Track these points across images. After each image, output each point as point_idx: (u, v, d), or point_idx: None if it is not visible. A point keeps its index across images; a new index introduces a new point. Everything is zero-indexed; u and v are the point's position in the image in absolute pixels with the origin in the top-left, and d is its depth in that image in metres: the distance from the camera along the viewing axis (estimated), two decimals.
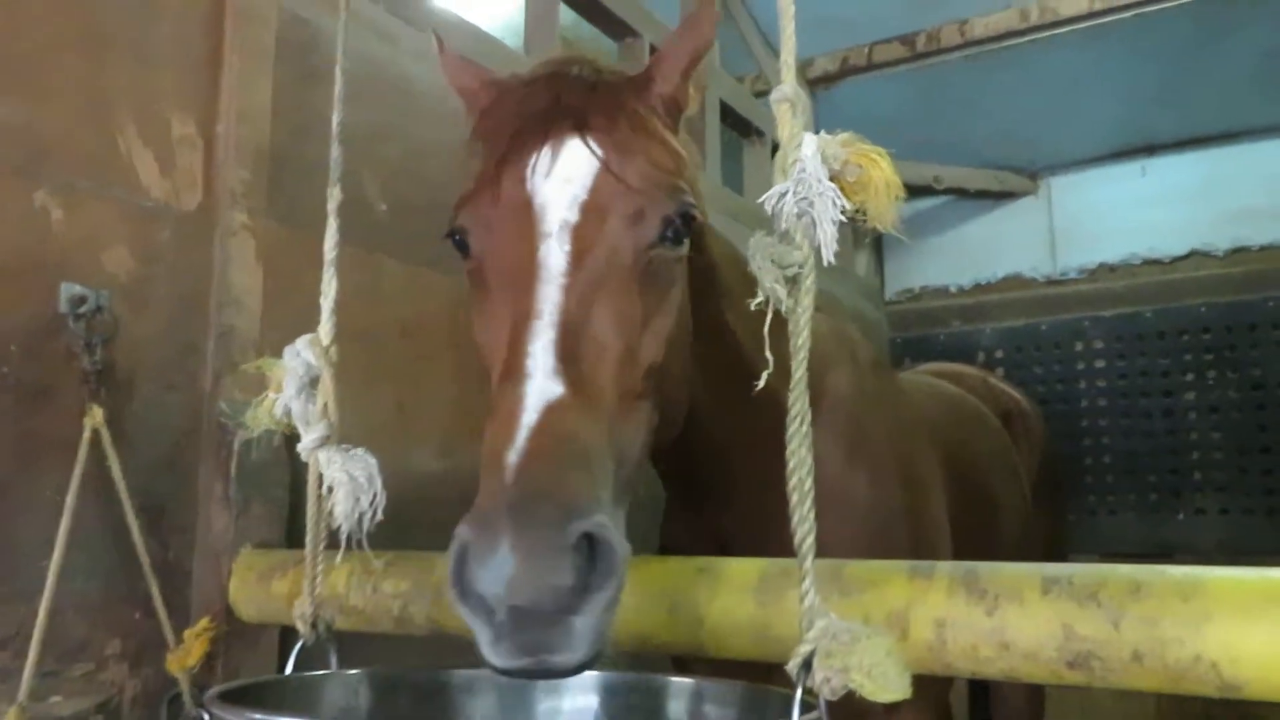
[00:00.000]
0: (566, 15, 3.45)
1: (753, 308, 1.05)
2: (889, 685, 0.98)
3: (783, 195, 1.05)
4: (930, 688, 2.10)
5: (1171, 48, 4.57)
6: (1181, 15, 4.38)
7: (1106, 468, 5.10)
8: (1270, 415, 4.77)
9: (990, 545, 2.77)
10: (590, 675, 1.36)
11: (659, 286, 1.43)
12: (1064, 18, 4.39)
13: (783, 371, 1.14)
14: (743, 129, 4.55)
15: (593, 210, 1.36)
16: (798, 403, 1.04)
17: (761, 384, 1.10)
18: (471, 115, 1.64)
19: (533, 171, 1.38)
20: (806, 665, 1.03)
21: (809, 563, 1.04)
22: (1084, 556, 4.47)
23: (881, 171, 1.10)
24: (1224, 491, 4.84)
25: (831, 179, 1.09)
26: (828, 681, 1.00)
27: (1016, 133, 5.29)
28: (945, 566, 1.36)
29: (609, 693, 1.39)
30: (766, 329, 1.05)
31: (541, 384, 1.18)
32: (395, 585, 1.78)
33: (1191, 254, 4.98)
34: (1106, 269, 5.20)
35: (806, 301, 1.04)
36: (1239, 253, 4.86)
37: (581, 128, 1.41)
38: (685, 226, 1.44)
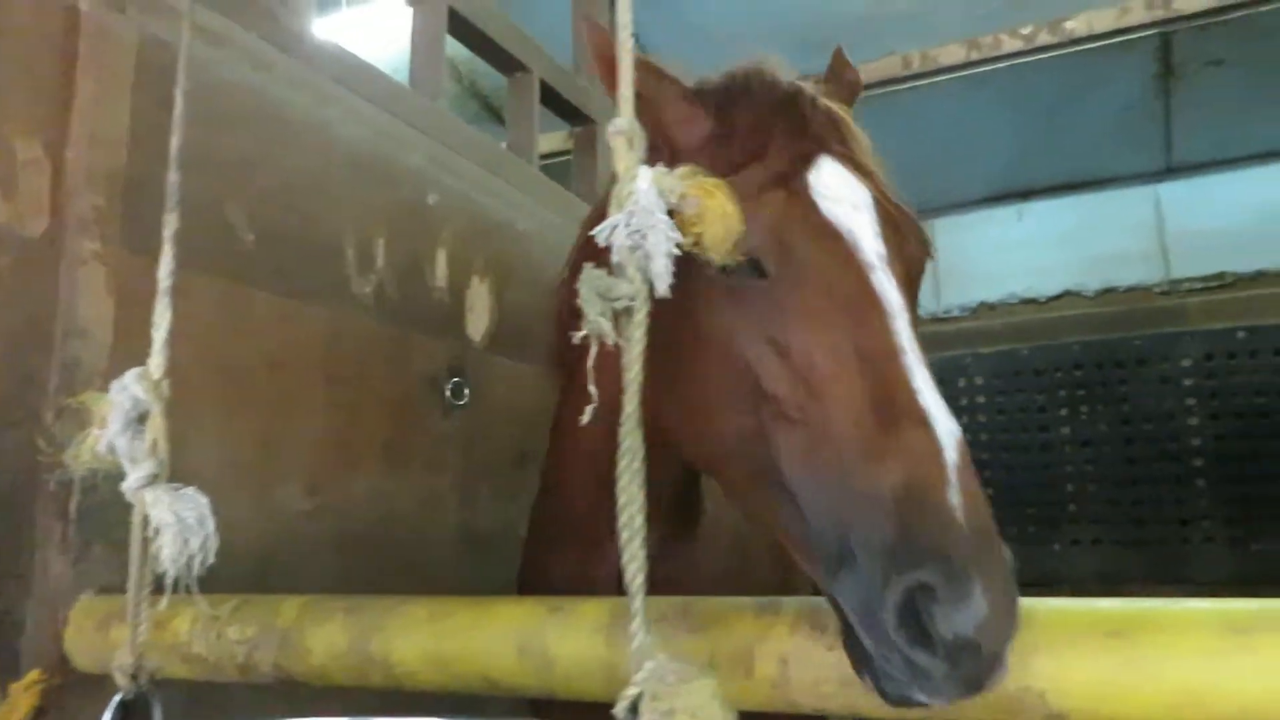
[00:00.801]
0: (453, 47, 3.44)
1: (575, 340, 1.04)
2: None
3: (614, 228, 1.05)
4: None
5: (1043, 99, 4.80)
6: (1051, 69, 4.61)
7: (989, 500, 5.25)
8: (1139, 449, 4.99)
9: None
10: None
11: None
12: (943, 65, 4.57)
13: None
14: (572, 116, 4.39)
15: (890, 241, 1.38)
16: (628, 439, 1.03)
17: (586, 419, 1.08)
18: (668, 125, 1.56)
19: (821, 197, 1.38)
20: (634, 709, 1.01)
21: (639, 601, 1.03)
22: None
23: (718, 202, 1.11)
24: (1098, 523, 5.03)
25: (669, 212, 1.09)
26: None
27: (903, 175, 5.46)
28: (792, 602, 1.36)
29: None
30: (591, 363, 1.04)
31: (946, 422, 1.18)
32: (240, 631, 1.70)
33: (1065, 294, 5.21)
34: (987, 307, 5.39)
35: (638, 335, 1.03)
36: (1108, 293, 5.10)
37: (836, 151, 1.44)
38: (929, 247, 1.50)
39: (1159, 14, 4.09)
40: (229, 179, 2.34)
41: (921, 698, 1.10)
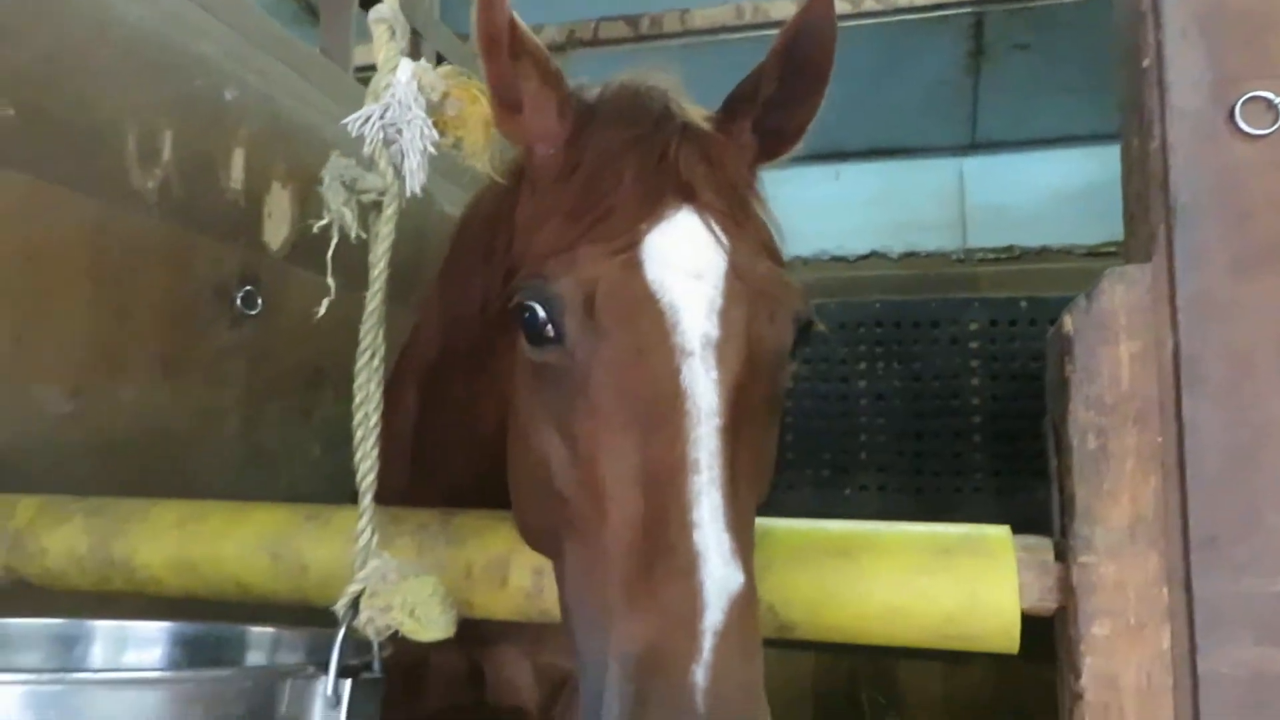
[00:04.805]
0: None
1: (315, 229, 0.99)
2: (431, 624, 0.98)
3: (368, 119, 1.00)
4: None
5: (863, 64, 4.96)
6: (874, 36, 4.76)
7: (789, 446, 5.50)
8: (925, 404, 5.34)
9: None
10: (157, 626, 1.25)
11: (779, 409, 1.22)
12: (773, 19, 4.64)
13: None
14: None
15: (732, 320, 1.11)
16: (368, 336, 1.00)
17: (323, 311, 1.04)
18: (534, 132, 1.27)
19: (652, 260, 1.11)
20: (355, 605, 1.00)
21: (368, 500, 1.01)
22: None
23: (480, 108, 1.08)
24: (884, 471, 5.36)
25: (429, 111, 1.05)
26: (371, 621, 0.97)
27: None
28: None
29: (178, 644, 1.29)
30: (331, 253, 1.00)
31: (721, 572, 0.96)
32: None
33: (871, 254, 5.46)
34: (800, 262, 5.59)
35: (386, 230, 1.00)
36: (910, 257, 5.38)
37: (698, 203, 1.17)
38: (807, 328, 1.25)
39: None
40: None
41: None
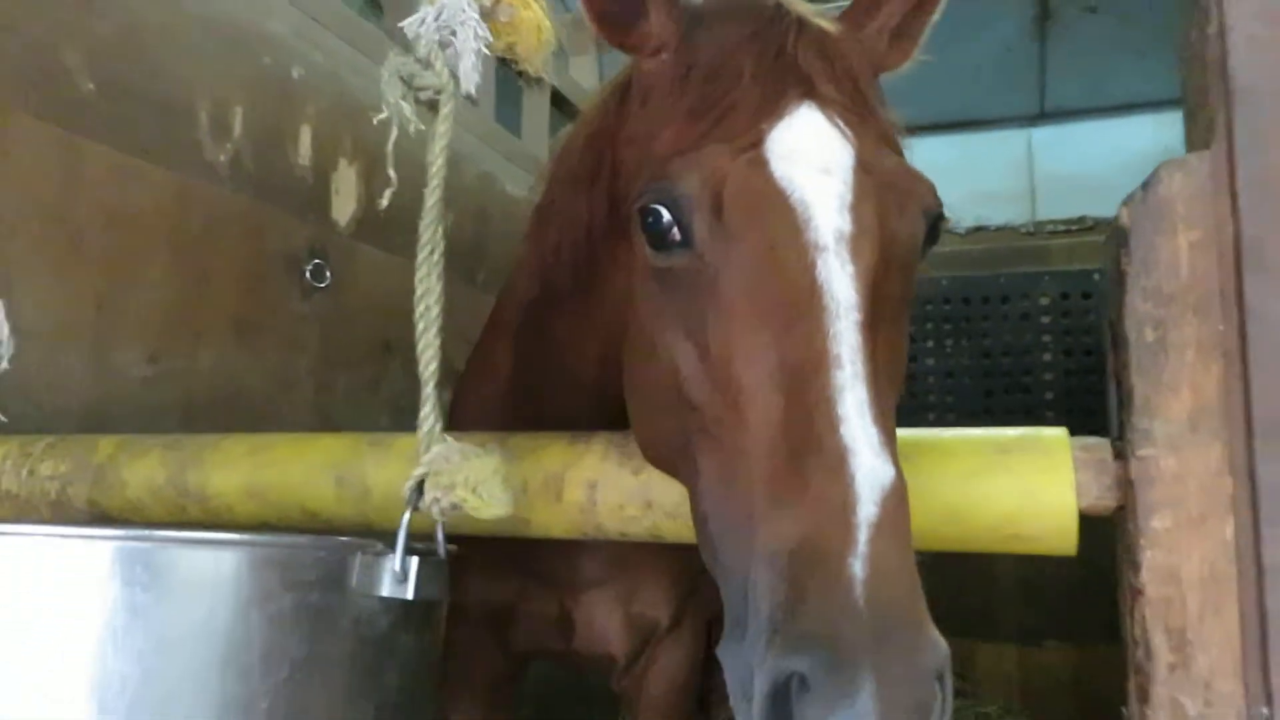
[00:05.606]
0: None
1: (375, 122, 1.03)
2: (494, 501, 1.00)
3: (423, 20, 1.04)
4: (688, 628, 2.17)
5: (933, 35, 4.89)
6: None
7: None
8: (995, 382, 5.23)
9: None
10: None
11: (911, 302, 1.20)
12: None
13: None
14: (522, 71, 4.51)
15: (863, 214, 1.08)
16: (427, 231, 1.03)
17: (386, 202, 1.07)
18: (649, 39, 1.27)
19: (779, 157, 1.09)
20: (419, 489, 1.03)
21: (430, 387, 1.04)
22: None
23: (534, 14, 1.11)
24: None
25: (483, 17, 1.08)
26: (436, 501, 1.00)
27: None
28: (604, 435, 1.40)
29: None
30: (390, 146, 1.03)
31: (871, 464, 0.94)
32: (54, 468, 1.65)
33: None
34: None
35: (444, 129, 1.03)
36: (978, 231, 5.28)
37: (819, 98, 1.15)
38: (937, 223, 1.20)
39: None
40: (66, 20, 2.21)
41: None
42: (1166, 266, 1.08)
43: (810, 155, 1.10)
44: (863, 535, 0.89)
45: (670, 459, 1.21)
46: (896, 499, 0.94)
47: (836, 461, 0.93)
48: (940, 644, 0.87)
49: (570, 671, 3.35)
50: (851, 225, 1.07)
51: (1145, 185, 1.10)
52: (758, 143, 1.11)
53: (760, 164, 1.09)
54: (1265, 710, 0.98)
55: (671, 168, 1.12)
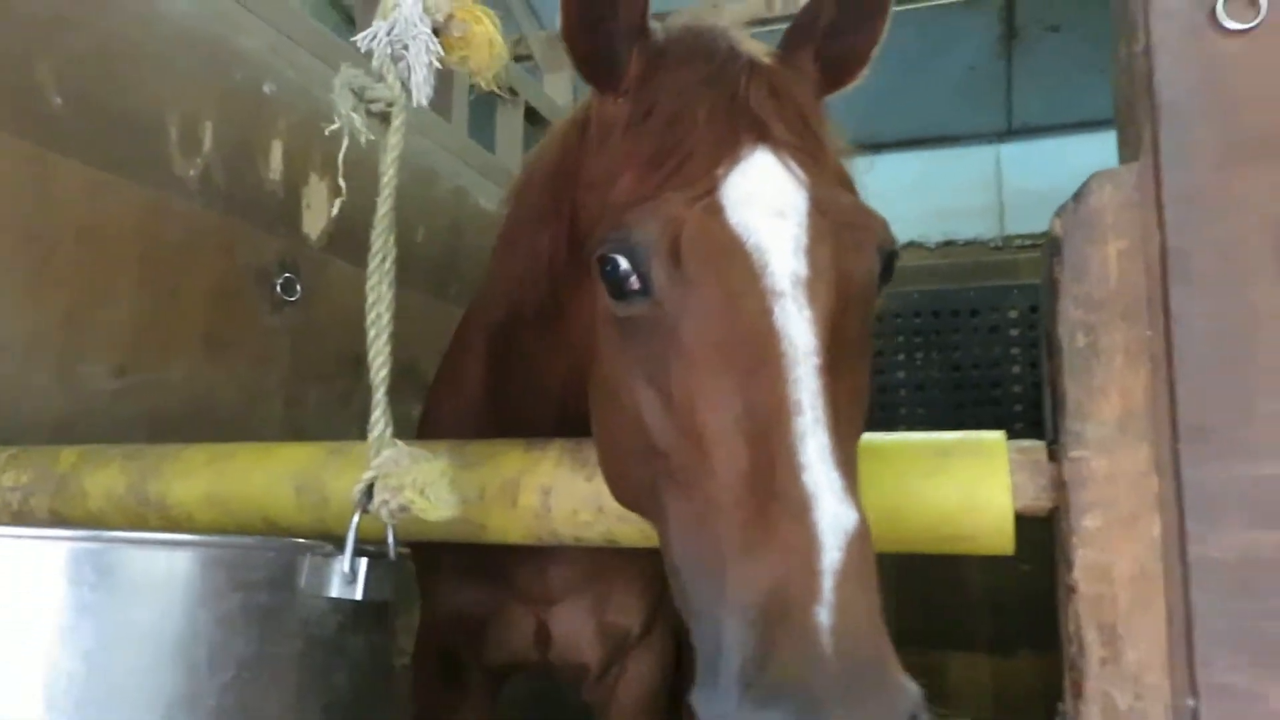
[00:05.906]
0: None
1: (326, 133, 1.05)
2: (441, 503, 1.02)
3: (375, 35, 1.07)
4: (658, 635, 2.19)
5: (895, 53, 4.96)
6: (909, 23, 4.77)
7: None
8: (965, 394, 5.29)
9: None
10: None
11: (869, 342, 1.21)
12: None
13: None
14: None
15: (820, 256, 1.09)
16: (379, 240, 1.06)
17: (335, 211, 1.10)
18: (621, 82, 1.28)
19: (734, 203, 1.10)
20: (369, 492, 1.05)
21: (381, 393, 1.06)
22: None
23: (485, 29, 1.14)
24: None
25: (436, 31, 1.11)
26: (385, 503, 1.02)
27: None
28: (559, 441, 1.42)
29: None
30: (341, 158, 1.06)
31: (834, 510, 0.95)
32: (16, 478, 1.66)
33: (908, 244, 5.44)
34: None
35: (395, 140, 1.06)
36: (948, 245, 5.35)
37: (773, 141, 1.16)
38: (891, 258, 1.22)
39: None
40: (39, 37, 2.23)
41: None
42: (1096, 274, 1.12)
43: (765, 200, 1.11)
44: (828, 584, 0.90)
45: (638, 500, 1.22)
46: (860, 543, 0.95)
47: (800, 509, 0.95)
48: (909, 687, 0.88)
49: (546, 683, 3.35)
50: (808, 269, 1.08)
51: (1077, 196, 1.15)
52: (712, 189, 1.12)
53: (716, 210, 1.10)
54: (1191, 702, 1.02)
55: (629, 217, 1.14)
